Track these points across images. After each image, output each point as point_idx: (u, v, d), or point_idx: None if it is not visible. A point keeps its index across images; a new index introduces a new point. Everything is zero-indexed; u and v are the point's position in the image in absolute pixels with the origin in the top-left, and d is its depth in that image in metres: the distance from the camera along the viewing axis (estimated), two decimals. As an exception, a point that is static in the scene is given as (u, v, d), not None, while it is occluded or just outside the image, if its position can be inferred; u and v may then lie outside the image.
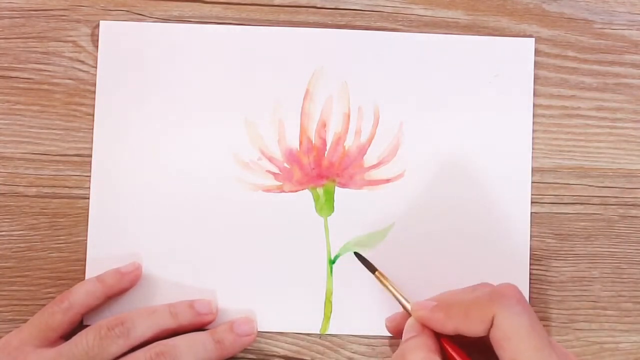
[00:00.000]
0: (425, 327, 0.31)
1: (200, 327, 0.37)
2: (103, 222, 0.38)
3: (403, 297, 0.34)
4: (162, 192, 0.39)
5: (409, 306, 0.33)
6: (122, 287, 0.37)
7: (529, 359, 0.27)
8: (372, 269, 0.36)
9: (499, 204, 0.39)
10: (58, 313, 0.35)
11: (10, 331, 0.35)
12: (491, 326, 0.29)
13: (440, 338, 0.31)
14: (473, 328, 0.29)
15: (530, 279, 0.39)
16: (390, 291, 0.35)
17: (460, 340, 0.31)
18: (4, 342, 0.35)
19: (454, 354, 0.30)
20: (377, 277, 0.36)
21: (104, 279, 0.37)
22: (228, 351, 0.36)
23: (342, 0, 0.40)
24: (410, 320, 0.32)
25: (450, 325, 0.30)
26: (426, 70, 0.39)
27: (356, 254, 0.37)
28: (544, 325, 0.38)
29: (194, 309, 0.37)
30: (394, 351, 0.35)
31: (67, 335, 0.36)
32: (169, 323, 0.36)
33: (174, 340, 0.35)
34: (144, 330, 0.35)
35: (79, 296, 0.36)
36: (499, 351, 0.28)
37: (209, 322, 0.37)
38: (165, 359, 0.34)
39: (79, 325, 0.36)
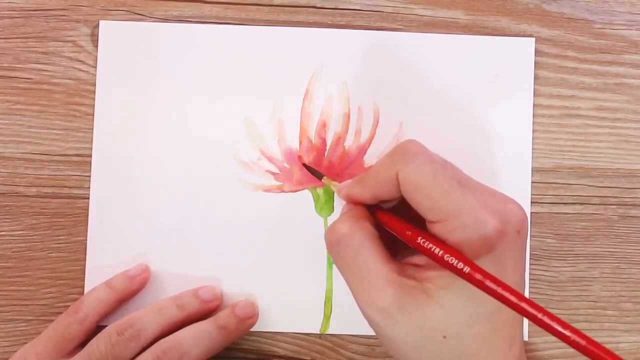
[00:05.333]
0: (355, 204, 0.31)
1: (208, 314, 0.37)
2: (103, 222, 0.38)
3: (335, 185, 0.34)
4: (162, 192, 0.39)
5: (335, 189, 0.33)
6: (133, 291, 0.37)
7: (442, 205, 0.26)
8: (319, 176, 0.36)
9: (499, 204, 0.39)
10: (74, 324, 0.35)
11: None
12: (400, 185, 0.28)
13: (375, 211, 0.30)
14: (385, 191, 0.28)
15: (530, 279, 0.39)
16: (330, 186, 0.35)
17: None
18: (19, 357, 0.35)
19: (386, 219, 0.30)
20: (325, 182, 0.36)
21: (113, 285, 0.37)
22: (233, 335, 0.36)
23: (342, 0, 0.40)
24: (344, 205, 0.32)
25: (367, 194, 0.29)
26: (426, 70, 0.39)
27: (304, 164, 0.38)
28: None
29: (199, 298, 0.37)
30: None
31: (83, 343, 0.35)
32: (177, 316, 0.36)
33: (179, 335, 0.35)
34: (154, 328, 0.35)
35: (92, 305, 0.36)
36: (415, 207, 0.27)
37: (216, 308, 0.37)
38: (173, 355, 0.34)
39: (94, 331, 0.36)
